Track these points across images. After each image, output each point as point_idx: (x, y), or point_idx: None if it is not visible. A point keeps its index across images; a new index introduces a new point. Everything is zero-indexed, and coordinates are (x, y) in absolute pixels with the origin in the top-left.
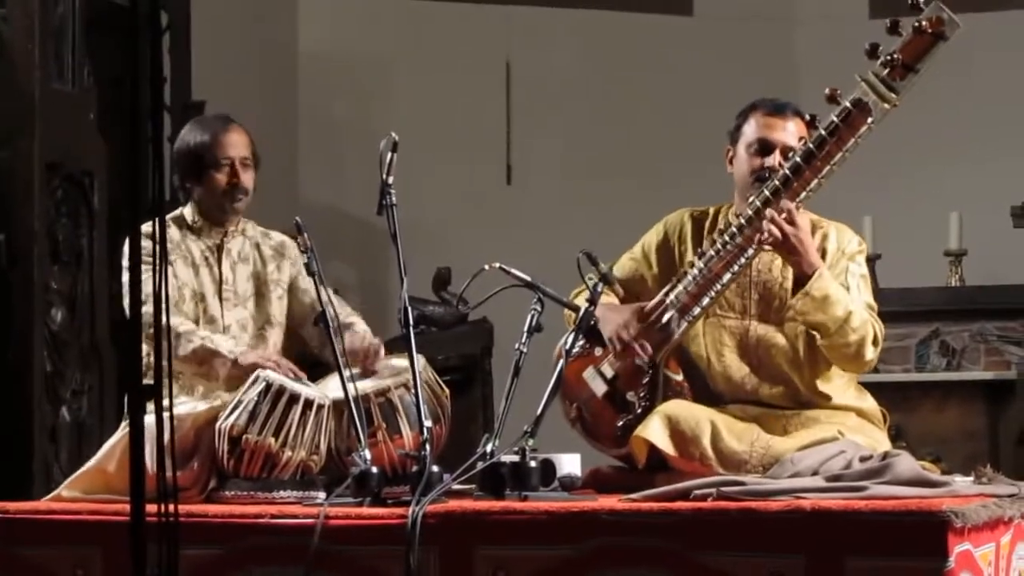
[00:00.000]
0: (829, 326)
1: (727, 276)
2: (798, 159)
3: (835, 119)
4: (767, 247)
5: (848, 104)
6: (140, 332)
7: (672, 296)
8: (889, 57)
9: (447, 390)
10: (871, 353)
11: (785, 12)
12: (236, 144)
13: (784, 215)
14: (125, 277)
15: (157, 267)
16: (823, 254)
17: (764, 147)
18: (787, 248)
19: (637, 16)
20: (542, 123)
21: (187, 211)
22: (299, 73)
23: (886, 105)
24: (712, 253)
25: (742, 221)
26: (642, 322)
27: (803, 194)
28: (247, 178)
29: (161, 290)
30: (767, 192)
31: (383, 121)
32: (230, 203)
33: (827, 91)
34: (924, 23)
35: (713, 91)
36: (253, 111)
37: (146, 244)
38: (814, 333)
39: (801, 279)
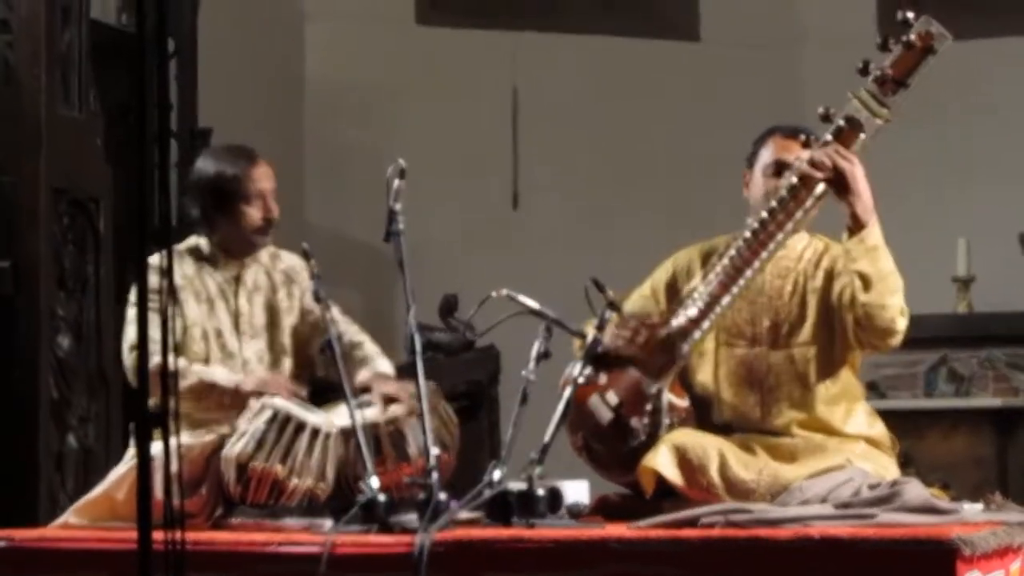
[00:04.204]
0: (873, 278)
1: (727, 298)
2: (793, 179)
3: (828, 136)
4: (818, 175)
5: (840, 121)
6: (147, 359)
7: (674, 320)
8: (880, 73)
9: (456, 419)
10: (902, 324)
11: (792, 38)
12: (266, 177)
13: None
14: (130, 312)
15: (167, 288)
16: (833, 266)
17: (780, 168)
18: (842, 183)
19: (644, 42)
20: (549, 148)
21: (202, 242)
22: (305, 99)
23: (878, 121)
24: (712, 276)
25: (740, 243)
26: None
27: (798, 214)
28: (276, 211)
29: (167, 323)
30: (764, 213)
31: (389, 147)
32: (262, 237)
33: (820, 110)
34: (913, 37)
35: (720, 117)
36: (260, 137)
37: (153, 278)
38: (857, 286)
39: (851, 230)
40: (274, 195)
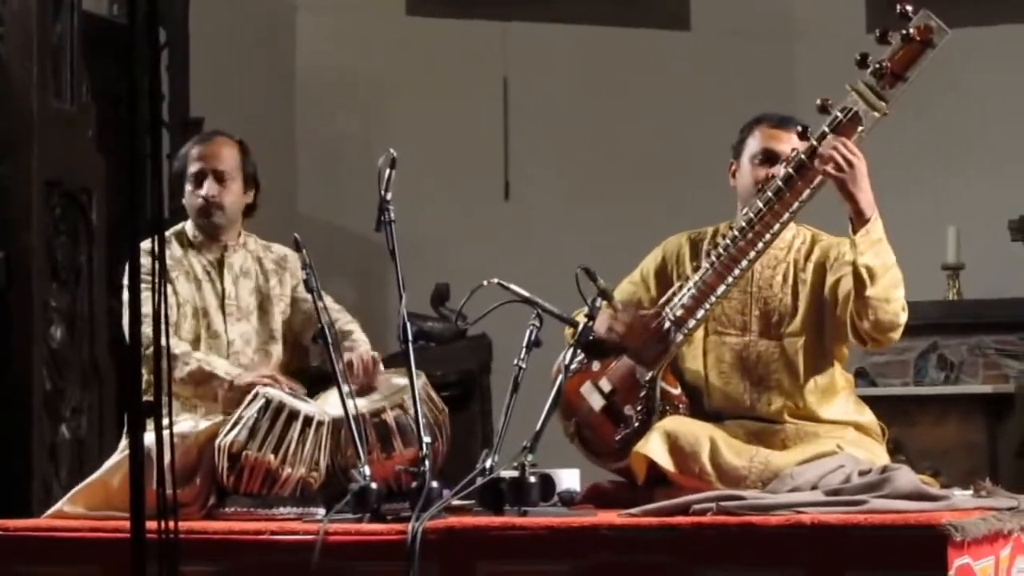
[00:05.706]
0: (878, 272)
1: (721, 288)
2: (790, 169)
3: (825, 128)
4: (828, 170)
5: (838, 113)
6: (139, 350)
7: (668, 309)
8: (879, 66)
9: (446, 408)
10: (903, 318)
11: (783, 28)
12: (212, 156)
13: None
14: (126, 295)
15: (156, 286)
16: (824, 260)
17: (768, 157)
18: (847, 178)
19: (635, 31)
20: (540, 139)
21: (188, 226)
22: (297, 90)
23: (876, 114)
24: (707, 265)
25: (735, 233)
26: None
27: (795, 205)
28: (219, 190)
29: (160, 309)
30: (760, 204)
31: (381, 137)
32: (203, 218)
33: (818, 101)
34: (912, 31)
35: (711, 106)
36: (251, 128)
37: (146, 262)
38: (863, 280)
39: (855, 224)
40: (221, 175)
